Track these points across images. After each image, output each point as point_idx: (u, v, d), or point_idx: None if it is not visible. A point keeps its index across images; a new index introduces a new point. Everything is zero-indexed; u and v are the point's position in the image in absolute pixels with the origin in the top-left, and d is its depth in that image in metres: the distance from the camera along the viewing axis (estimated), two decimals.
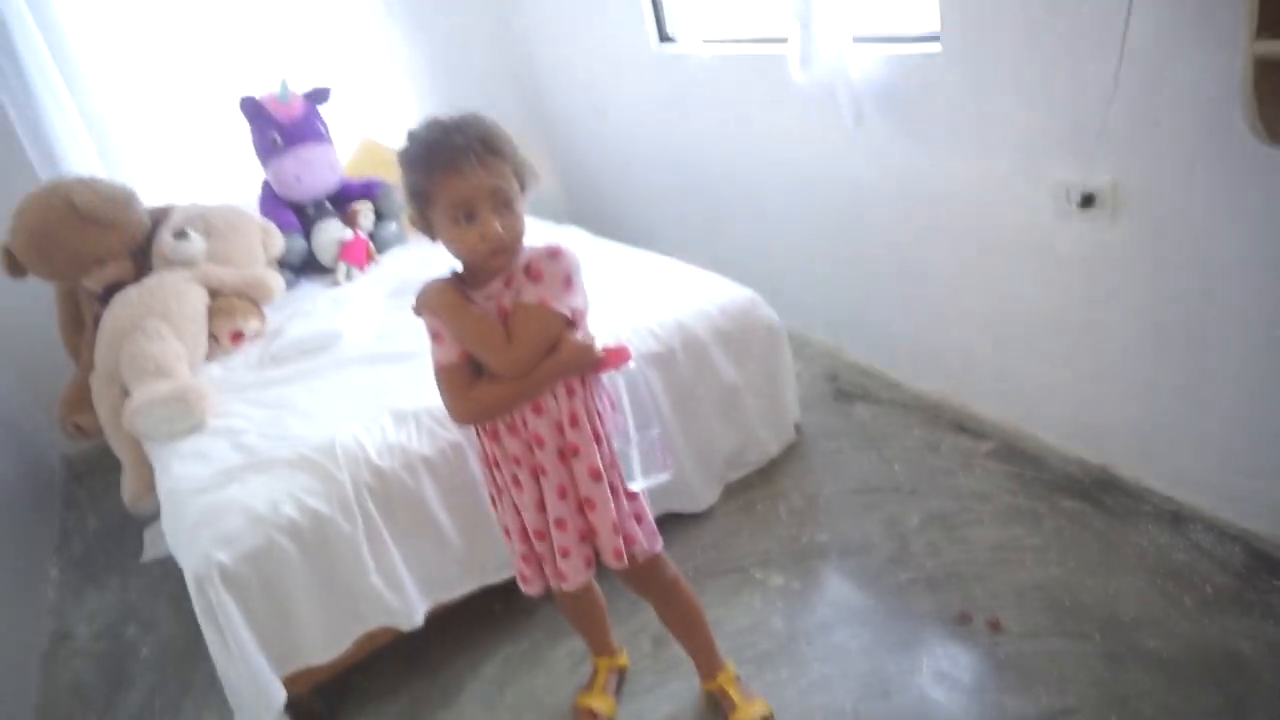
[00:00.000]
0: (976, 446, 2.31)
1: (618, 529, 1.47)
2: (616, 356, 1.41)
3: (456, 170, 1.25)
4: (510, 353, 1.32)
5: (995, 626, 1.75)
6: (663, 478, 1.45)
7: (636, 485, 1.44)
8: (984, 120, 2.05)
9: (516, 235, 1.33)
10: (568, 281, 1.35)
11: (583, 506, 1.46)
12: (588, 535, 1.48)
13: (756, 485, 2.35)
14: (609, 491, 1.45)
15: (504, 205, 1.30)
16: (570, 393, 1.40)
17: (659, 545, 1.55)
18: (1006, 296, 2.20)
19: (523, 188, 1.34)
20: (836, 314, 2.88)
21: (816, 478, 2.34)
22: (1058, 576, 1.84)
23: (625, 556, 1.48)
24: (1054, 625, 1.73)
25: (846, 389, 2.73)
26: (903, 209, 2.40)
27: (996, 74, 1.97)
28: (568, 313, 1.35)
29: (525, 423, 1.41)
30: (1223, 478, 1.87)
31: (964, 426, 2.41)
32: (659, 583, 1.61)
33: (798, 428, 2.50)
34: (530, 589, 1.56)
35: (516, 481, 1.46)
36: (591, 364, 1.40)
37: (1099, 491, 2.06)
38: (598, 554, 1.51)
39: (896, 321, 2.61)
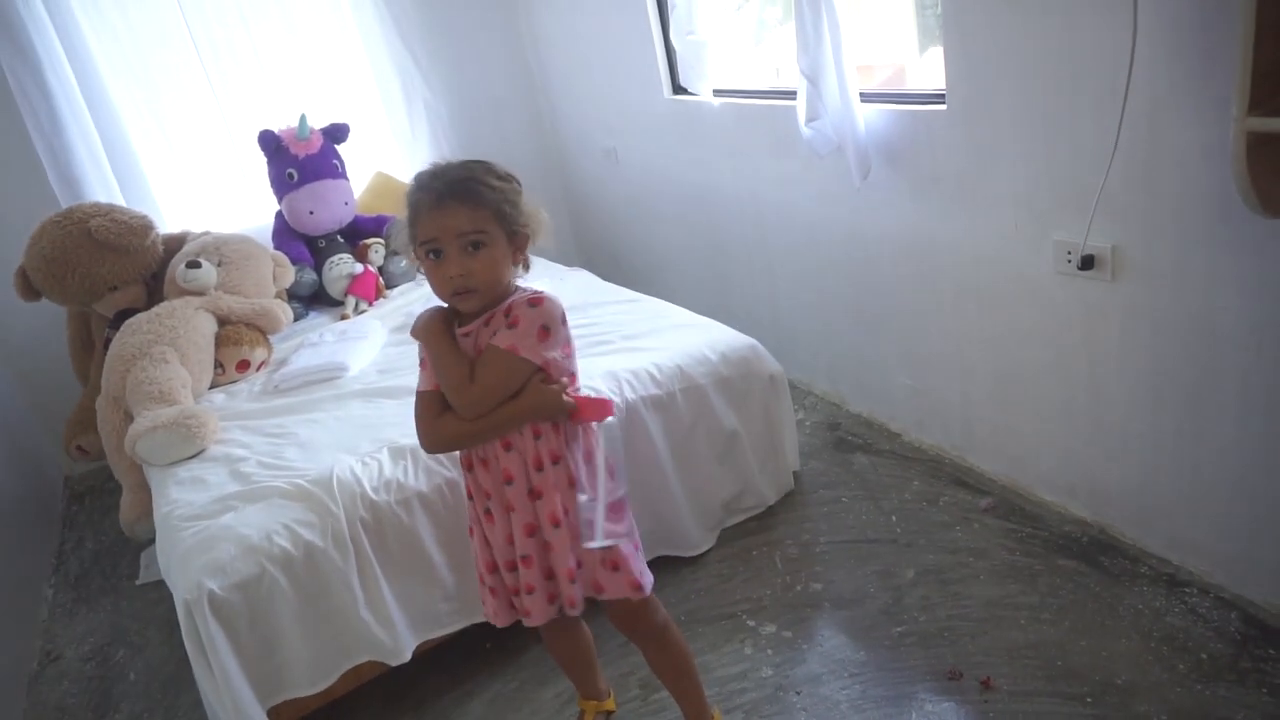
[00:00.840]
0: (975, 502, 2.31)
1: (573, 576, 1.47)
2: (594, 409, 1.40)
3: (428, 209, 1.32)
4: (467, 393, 1.36)
5: (986, 685, 1.74)
6: (616, 542, 1.43)
7: (594, 544, 1.41)
8: (987, 180, 2.08)
9: (483, 279, 1.34)
10: (543, 331, 1.37)
11: (546, 549, 1.47)
12: (553, 575, 1.49)
13: (753, 532, 2.35)
14: (568, 539, 1.45)
15: (471, 248, 1.33)
16: (537, 435, 1.42)
17: (648, 589, 1.54)
18: (1007, 353, 2.21)
19: (511, 236, 1.37)
20: (839, 364, 2.89)
21: (813, 527, 2.33)
22: (1051, 637, 1.83)
23: (580, 606, 1.49)
24: (1046, 686, 1.71)
25: (847, 439, 2.73)
26: (906, 263, 2.43)
27: (1000, 135, 2.00)
28: (538, 361, 1.37)
29: (497, 458, 1.44)
30: (1220, 543, 1.86)
31: (963, 481, 2.41)
32: (649, 627, 1.60)
33: (796, 476, 2.50)
34: (497, 621, 1.57)
35: (489, 514, 1.48)
36: (558, 412, 1.40)
37: (1096, 552, 2.05)
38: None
39: (898, 373, 2.62)
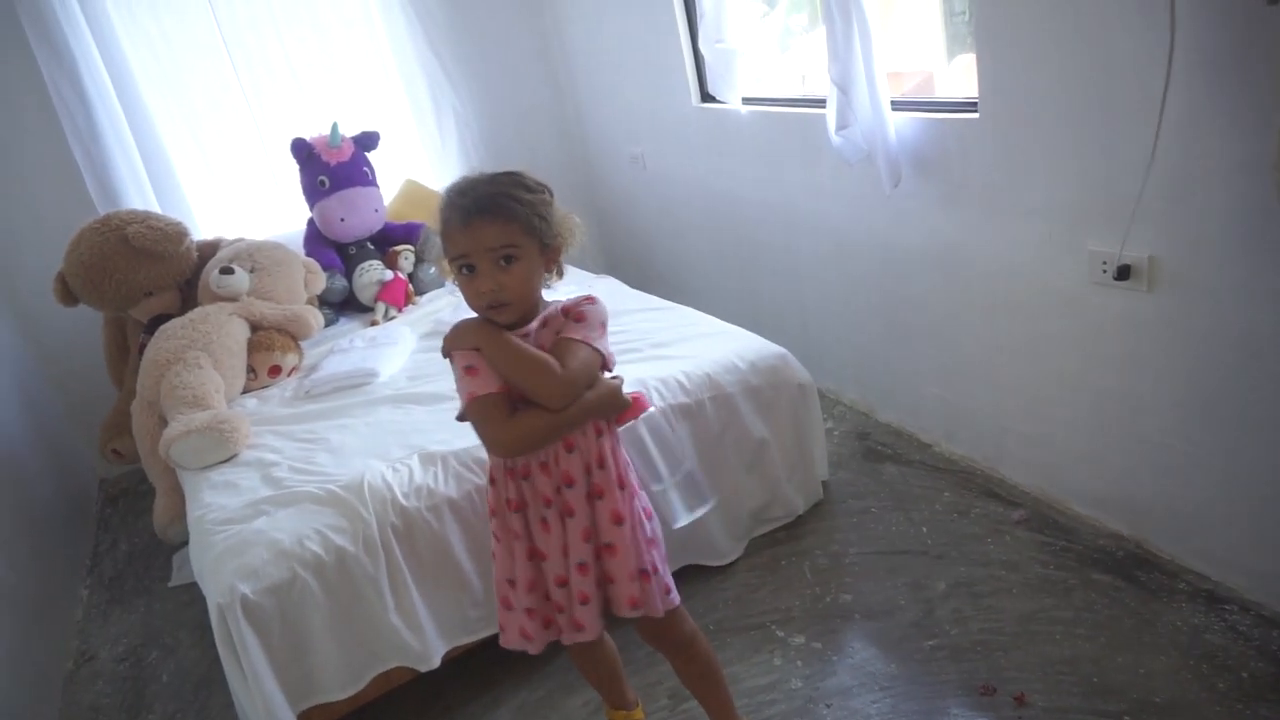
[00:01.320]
0: (1007, 514, 2.28)
1: (634, 576, 1.47)
2: (638, 403, 1.47)
3: (459, 225, 1.34)
4: (559, 381, 1.35)
5: (1020, 701, 1.71)
6: (707, 507, 1.49)
7: (683, 522, 1.47)
8: (1020, 189, 2.06)
9: (516, 293, 1.36)
10: (603, 326, 1.44)
11: (601, 552, 1.47)
12: (603, 582, 1.49)
13: (781, 541, 2.34)
14: (630, 537, 1.47)
15: (502, 262, 1.34)
16: (599, 433, 1.45)
17: (676, 600, 1.54)
18: (1041, 364, 2.18)
19: (544, 248, 1.39)
20: (868, 373, 2.88)
21: (843, 537, 2.32)
22: (1087, 652, 1.80)
23: (642, 606, 1.48)
24: (1081, 703, 1.69)
25: (876, 449, 2.71)
26: (937, 272, 2.41)
27: (1033, 144, 1.98)
28: (605, 353, 1.42)
29: (558, 460, 1.43)
30: (1260, 559, 1.82)
31: (995, 492, 2.38)
32: (677, 637, 1.59)
33: (825, 486, 2.49)
34: (533, 646, 1.52)
35: (544, 524, 1.46)
36: (621, 406, 1.45)
37: (1132, 566, 2.01)
38: (609, 604, 1.50)
39: (929, 383, 2.60)
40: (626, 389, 1.48)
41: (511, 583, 1.52)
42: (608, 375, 1.47)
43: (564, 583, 1.48)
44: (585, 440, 1.44)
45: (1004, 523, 2.25)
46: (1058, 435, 2.21)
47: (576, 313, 1.42)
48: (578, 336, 1.39)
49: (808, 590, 2.14)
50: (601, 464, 1.45)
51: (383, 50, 3.73)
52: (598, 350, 1.41)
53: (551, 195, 1.42)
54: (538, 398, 1.36)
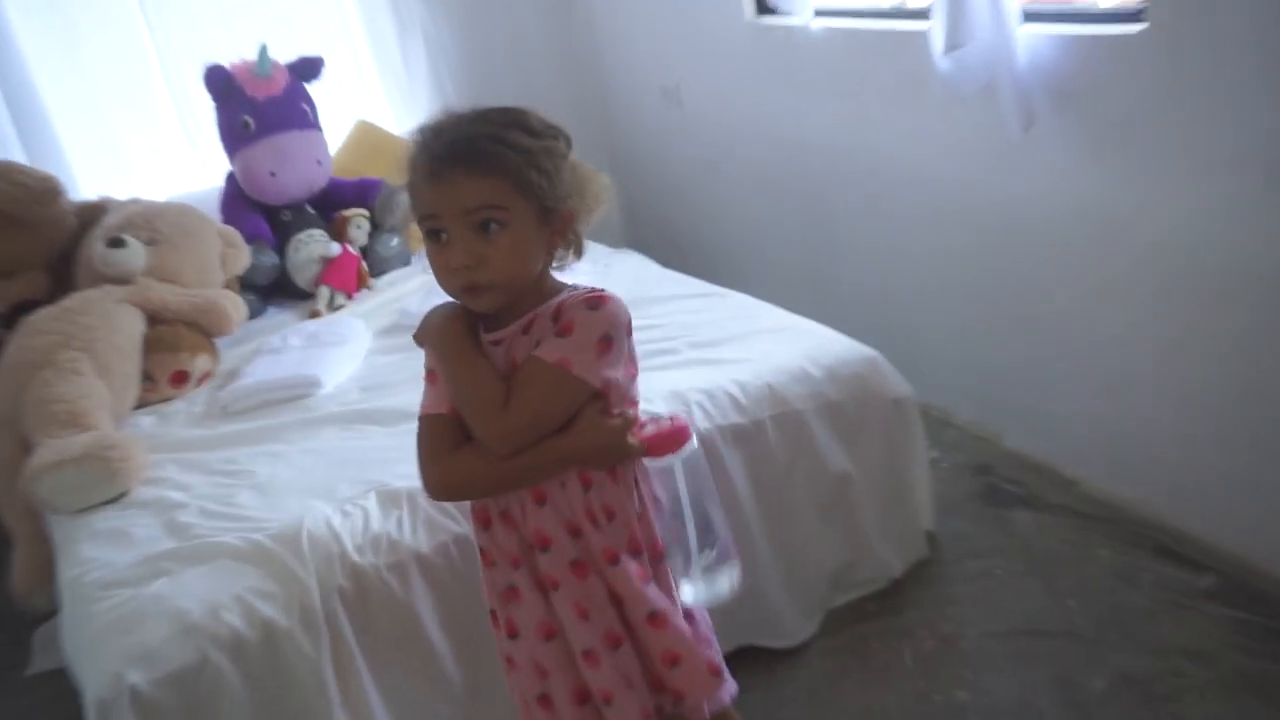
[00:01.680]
0: (1192, 581, 2.25)
1: (707, 641, 1.47)
2: (667, 441, 1.37)
3: (427, 177, 1.32)
4: (500, 420, 1.33)
5: None
6: (727, 592, 1.42)
7: (693, 599, 1.42)
8: (1204, 129, 2.04)
9: (500, 271, 1.33)
10: (605, 343, 1.36)
11: (620, 638, 1.43)
12: (635, 678, 1.44)
13: (871, 616, 2.32)
14: (673, 599, 1.45)
15: (482, 229, 1.31)
16: (587, 485, 1.40)
17: (732, 693, 1.51)
18: (1238, 372, 2.15)
19: (546, 213, 1.35)
20: (990, 383, 2.86)
21: (957, 611, 2.30)
22: None
23: (721, 671, 1.46)
24: None
25: (1002, 488, 2.69)
26: (1085, 245, 2.39)
27: (1222, 66, 1.96)
28: (595, 383, 1.35)
29: (524, 512, 1.41)
30: None
31: (1173, 551, 2.35)
32: None
33: (931, 539, 2.47)
34: None
35: (513, 591, 1.44)
36: (620, 457, 1.39)
37: None
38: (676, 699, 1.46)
39: (1075, 397, 2.57)
40: (664, 419, 1.41)
41: (544, 700, 1.46)
42: (635, 409, 1.42)
43: (546, 675, 1.44)
44: (563, 493, 1.40)
45: (1189, 594, 2.22)
46: (1265, 473, 2.16)
47: (566, 321, 1.36)
48: (551, 358, 1.33)
49: (908, 684, 2.12)
50: (611, 517, 1.41)
51: None
52: (582, 380, 1.34)
53: (568, 144, 1.39)
54: (476, 435, 1.36)
